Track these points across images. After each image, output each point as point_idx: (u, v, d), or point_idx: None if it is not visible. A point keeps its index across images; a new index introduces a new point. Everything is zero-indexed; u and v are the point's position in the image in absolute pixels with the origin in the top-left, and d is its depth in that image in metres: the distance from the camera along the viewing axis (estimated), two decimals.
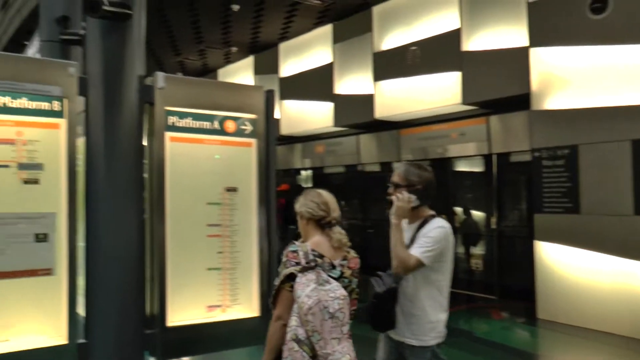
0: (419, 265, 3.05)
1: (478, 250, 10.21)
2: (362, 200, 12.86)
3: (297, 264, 2.65)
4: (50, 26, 4.15)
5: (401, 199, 3.16)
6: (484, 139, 9.62)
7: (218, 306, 3.28)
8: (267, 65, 14.16)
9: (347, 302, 2.59)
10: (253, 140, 3.44)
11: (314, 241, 2.80)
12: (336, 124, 12.08)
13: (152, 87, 3.06)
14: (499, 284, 9.61)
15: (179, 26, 11.95)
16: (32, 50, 4.95)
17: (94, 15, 2.71)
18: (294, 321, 2.60)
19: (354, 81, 11.74)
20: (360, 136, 12.17)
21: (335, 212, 2.86)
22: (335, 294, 2.56)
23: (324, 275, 2.63)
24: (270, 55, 14.05)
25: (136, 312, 3.04)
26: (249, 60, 14.88)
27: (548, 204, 8.17)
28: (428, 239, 3.06)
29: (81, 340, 2.87)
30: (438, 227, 3.10)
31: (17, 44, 11.97)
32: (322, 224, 2.81)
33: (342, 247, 2.81)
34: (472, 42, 9.26)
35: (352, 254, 2.88)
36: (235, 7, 10.66)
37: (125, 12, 2.82)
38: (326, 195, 2.89)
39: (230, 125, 3.36)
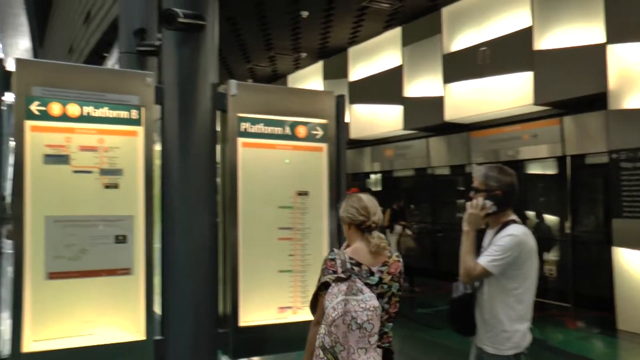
0: (486, 274, 2.95)
1: (551, 256, 9.84)
2: (432, 204, 12.68)
3: (334, 272, 2.65)
4: (128, 38, 4.35)
5: (474, 205, 3.06)
6: (557, 140, 9.29)
7: (289, 308, 3.33)
8: (336, 70, 14.22)
9: (377, 314, 2.57)
10: (324, 145, 3.47)
11: (353, 248, 2.79)
12: (405, 127, 11.97)
13: (224, 94, 3.15)
14: (573, 292, 9.22)
15: (249, 34, 12.19)
16: (112, 61, 5.19)
17: (170, 28, 2.81)
18: (322, 329, 2.62)
19: (423, 83, 11.61)
20: (430, 139, 12.01)
21: (375, 216, 2.83)
22: (367, 304, 2.56)
23: (359, 285, 2.62)
24: (339, 59, 14.10)
25: (209, 312, 3.12)
26: (318, 66, 14.99)
27: (628, 208, 7.78)
28: (497, 248, 2.95)
29: (158, 337, 2.99)
30: (509, 235, 2.97)
31: (97, 55, 12.55)
32: (363, 228, 2.81)
33: (380, 252, 2.79)
34: (545, 41, 8.97)
35: (394, 257, 2.84)
36: (305, 14, 10.76)
37: (199, 23, 2.91)
38: (366, 199, 2.87)
39: (301, 131, 3.41)
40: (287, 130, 3.37)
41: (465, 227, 3.06)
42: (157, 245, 3.01)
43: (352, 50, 13.76)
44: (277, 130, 3.34)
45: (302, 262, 3.39)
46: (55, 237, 2.75)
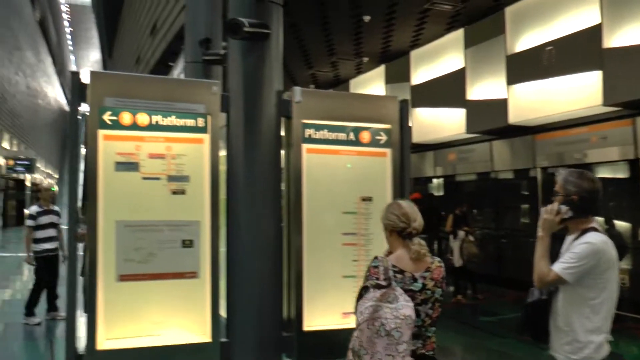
0: (560, 281, 2.84)
1: (624, 264, 9.40)
2: (495, 209, 12.37)
3: (377, 279, 2.64)
4: (194, 48, 4.45)
5: (549, 210, 2.95)
6: (629, 142, 8.86)
7: (353, 313, 3.31)
8: (398, 74, 14.11)
9: (407, 323, 2.54)
10: (387, 150, 3.44)
11: (396, 255, 2.77)
12: (468, 130, 11.73)
13: (289, 101, 3.17)
14: None
15: (311, 40, 12.25)
16: (177, 70, 5.33)
17: (236, 37, 2.86)
18: (356, 332, 2.63)
19: (486, 86, 11.35)
20: (493, 142, 11.71)
21: (416, 223, 2.79)
22: (398, 312, 2.54)
23: (397, 293, 2.60)
24: (401, 63, 13.98)
25: (274, 315, 3.15)
26: (380, 70, 14.91)
27: None
28: (572, 255, 2.83)
29: (223, 339, 3.03)
30: (586, 242, 2.84)
31: (163, 65, 12.94)
32: (403, 235, 2.78)
33: (421, 258, 2.75)
34: (615, 38, 8.58)
35: (436, 263, 2.81)
36: (367, 18, 10.74)
37: (264, 32, 2.94)
38: (406, 206, 2.83)
39: (365, 136, 3.39)
40: (351, 136, 3.36)
41: (539, 232, 2.96)
42: (222, 249, 3.06)
43: (414, 54, 13.62)
44: (341, 136, 3.34)
45: (366, 268, 3.37)
46: (125, 241, 2.84)
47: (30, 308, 7.36)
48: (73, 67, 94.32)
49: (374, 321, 2.55)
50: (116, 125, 2.82)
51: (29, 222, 7.39)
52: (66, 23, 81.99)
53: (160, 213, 2.90)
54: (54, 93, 55.38)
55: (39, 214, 7.39)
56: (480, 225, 12.38)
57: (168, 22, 11.17)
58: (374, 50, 13.28)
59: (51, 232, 7.45)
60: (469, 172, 12.92)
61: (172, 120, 2.92)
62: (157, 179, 2.90)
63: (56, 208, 7.69)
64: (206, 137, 2.99)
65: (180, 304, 2.95)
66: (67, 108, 71.85)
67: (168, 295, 2.93)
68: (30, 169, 29.09)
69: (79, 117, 2.85)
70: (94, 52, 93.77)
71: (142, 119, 2.87)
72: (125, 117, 2.84)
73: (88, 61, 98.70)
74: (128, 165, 2.84)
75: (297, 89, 3.18)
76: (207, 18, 4.45)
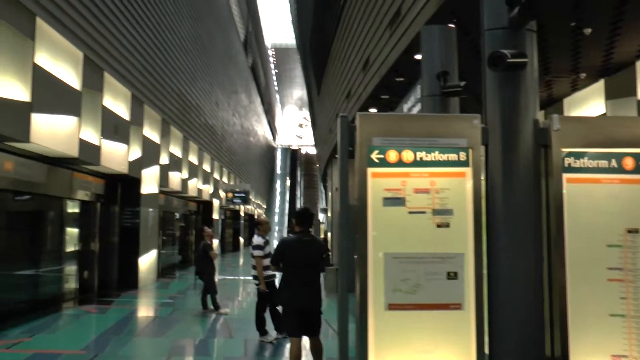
0: None
1: None
2: None
3: None
4: (431, 81, 4.59)
5: None
6: None
7: (624, 357, 3.10)
8: (621, 88, 13.00)
9: None
10: None
11: None
12: None
13: (547, 129, 3.12)
14: None
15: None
16: (407, 105, 5.53)
17: (497, 69, 2.91)
18: None
19: None
20: None
21: None
22: None
23: None
24: (625, 76, 12.88)
25: (537, 353, 3.07)
26: (599, 85, 13.88)
27: None
28: None
29: None
30: None
31: (375, 99, 13.44)
32: None
33: None
34: None
35: None
36: (587, 31, 10.11)
37: (522, 61, 2.95)
38: None
39: (628, 162, 3.18)
40: (613, 163, 3.19)
41: None
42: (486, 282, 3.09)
43: None
44: (602, 163, 3.17)
45: (636, 306, 3.15)
46: (393, 272, 3.00)
47: (261, 328, 8.11)
48: (279, 106, 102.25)
49: None
50: (383, 162, 3.02)
51: (257, 252, 8.08)
52: (272, 65, 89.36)
53: (426, 246, 3.02)
54: (262, 131, 60.45)
55: (265, 243, 8.15)
56: None
57: (382, 57, 11.63)
58: (593, 64, 12.41)
59: None
60: None
61: (436, 155, 3.05)
62: (423, 212, 3.03)
63: (269, 238, 8.48)
64: (468, 171, 3.06)
65: (445, 335, 3.02)
66: (273, 144, 77.89)
67: (433, 325, 3.01)
68: (245, 200, 31.92)
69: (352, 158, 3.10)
70: (297, 90, 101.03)
71: (407, 155, 3.03)
72: (392, 155, 3.03)
73: (291, 99, 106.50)
74: (395, 201, 3.01)
75: (555, 117, 3.12)
76: (442, 51, 4.57)
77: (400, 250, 3.01)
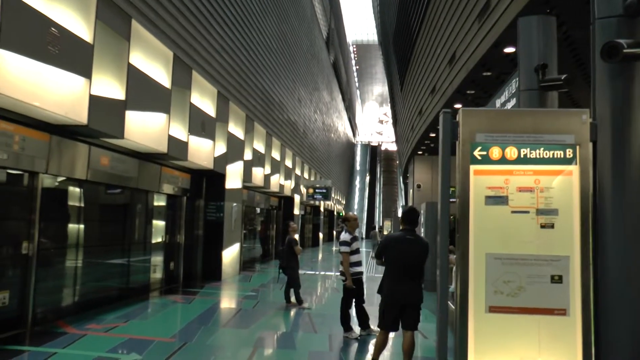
0: None
1: None
2: None
3: None
4: (528, 75, 4.41)
5: None
6: None
7: None
8: None
9: None
10: None
11: None
12: None
13: None
14: None
15: None
16: (501, 99, 5.33)
17: (611, 61, 2.75)
18: None
19: None
20: None
21: None
22: None
23: None
24: None
25: None
26: None
27: None
28: None
29: None
30: None
31: (461, 94, 13.17)
32: None
33: None
34: None
35: None
36: None
37: (638, 51, 2.78)
38: None
39: None
40: None
41: None
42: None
43: None
44: None
45: None
46: (495, 274, 2.92)
47: (346, 324, 8.12)
48: (359, 102, 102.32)
49: None
50: (486, 160, 2.94)
51: (344, 249, 8.09)
52: (353, 62, 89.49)
53: (529, 247, 2.92)
54: (343, 127, 60.63)
55: (352, 240, 8.12)
56: None
57: (469, 51, 11.37)
58: None
59: (358, 257, 8.16)
60: None
61: (540, 152, 2.94)
62: (526, 212, 2.93)
63: (357, 234, 8.40)
64: (575, 169, 2.93)
65: (549, 342, 2.90)
66: (352, 140, 77.98)
67: (536, 330, 2.91)
68: (326, 196, 32.09)
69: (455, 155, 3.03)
70: (377, 87, 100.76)
71: (511, 152, 2.94)
72: (495, 152, 2.94)
73: (372, 95, 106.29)
74: (497, 199, 2.93)
75: None
76: (540, 42, 4.38)
77: (502, 250, 2.92)
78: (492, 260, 2.92)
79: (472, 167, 2.94)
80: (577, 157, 2.94)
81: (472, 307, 2.91)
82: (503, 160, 2.94)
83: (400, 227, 6.03)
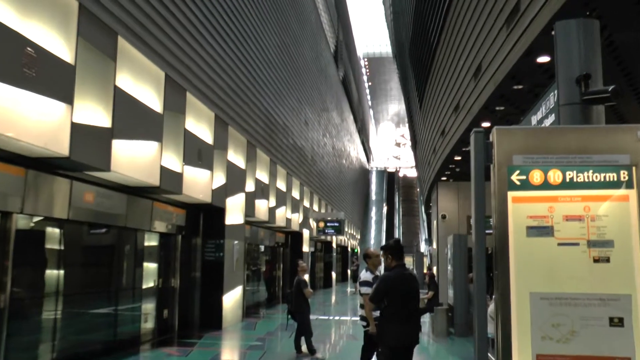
0: None
1: None
2: None
3: None
4: (568, 87, 4.37)
5: None
6: None
7: None
8: None
9: None
10: None
11: None
12: None
13: None
14: None
15: None
16: (537, 116, 5.29)
17: None
18: None
19: None
20: None
21: None
22: None
23: None
24: None
25: None
26: None
27: None
28: None
29: None
30: None
31: (488, 110, 13.12)
32: None
33: None
34: None
35: None
36: None
37: None
38: None
39: None
40: None
41: None
42: None
43: None
44: None
45: None
46: (542, 316, 2.84)
47: None
48: (372, 123, 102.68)
49: None
50: (526, 185, 2.89)
51: (365, 290, 7.97)
52: (365, 78, 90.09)
53: (581, 284, 2.84)
54: (356, 151, 60.76)
55: (374, 279, 8.01)
56: None
57: (496, 62, 11.37)
58: None
59: None
60: None
61: (589, 175, 2.88)
62: (575, 244, 2.86)
63: (378, 273, 8.27)
64: (632, 193, 2.87)
65: None
66: (367, 166, 78.10)
67: None
68: (339, 230, 31.93)
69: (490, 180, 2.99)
70: (393, 105, 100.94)
71: (555, 176, 2.89)
72: (536, 176, 2.89)
73: (387, 114, 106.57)
74: (541, 230, 2.87)
75: None
76: (581, 50, 4.35)
77: (548, 289, 2.86)
78: (538, 301, 2.85)
79: (510, 194, 2.89)
80: (633, 179, 2.88)
81: (516, 355, 2.83)
82: (546, 185, 2.89)
83: (392, 264, 6.21)
